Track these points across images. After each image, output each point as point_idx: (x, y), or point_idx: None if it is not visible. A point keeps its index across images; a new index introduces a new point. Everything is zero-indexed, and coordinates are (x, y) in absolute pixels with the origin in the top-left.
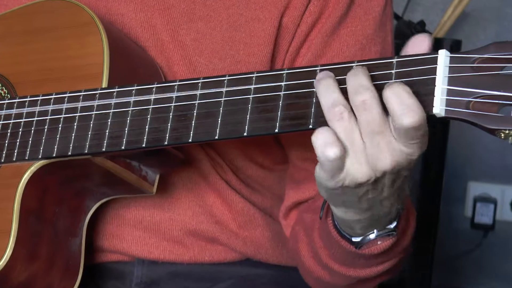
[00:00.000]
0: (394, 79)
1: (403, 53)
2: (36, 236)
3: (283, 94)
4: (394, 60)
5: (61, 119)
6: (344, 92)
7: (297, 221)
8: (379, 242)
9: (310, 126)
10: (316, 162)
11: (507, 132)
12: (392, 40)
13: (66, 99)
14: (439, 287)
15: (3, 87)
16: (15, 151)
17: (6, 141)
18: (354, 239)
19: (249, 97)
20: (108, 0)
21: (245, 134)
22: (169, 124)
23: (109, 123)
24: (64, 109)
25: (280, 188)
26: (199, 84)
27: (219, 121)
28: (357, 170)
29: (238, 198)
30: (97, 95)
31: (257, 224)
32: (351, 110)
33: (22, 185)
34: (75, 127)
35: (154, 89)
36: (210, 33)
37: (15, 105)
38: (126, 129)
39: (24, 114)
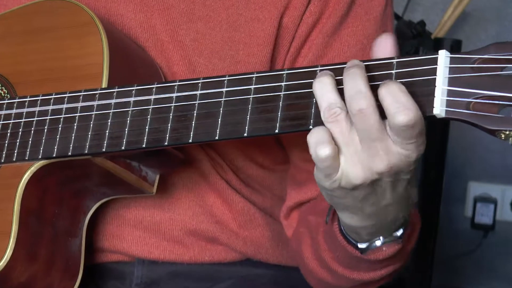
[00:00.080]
0: (395, 80)
1: (373, 55)
2: (36, 237)
3: (283, 94)
4: (395, 61)
5: (61, 119)
6: (343, 92)
7: (301, 222)
8: (384, 249)
9: (311, 127)
10: None
11: (507, 133)
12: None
13: (66, 99)
14: (439, 287)
15: (3, 87)
16: (15, 151)
17: (6, 141)
18: (359, 245)
19: (249, 98)
20: (107, 0)
21: (245, 134)
22: (169, 125)
23: (109, 123)
24: (64, 109)
25: (281, 188)
26: (199, 85)
27: (219, 122)
28: (352, 171)
29: (239, 198)
30: (97, 95)
31: (257, 224)
32: (347, 111)
33: (22, 185)
34: (75, 127)
35: (154, 89)
36: (210, 33)
37: (15, 105)
38: (126, 129)
39: (24, 114)
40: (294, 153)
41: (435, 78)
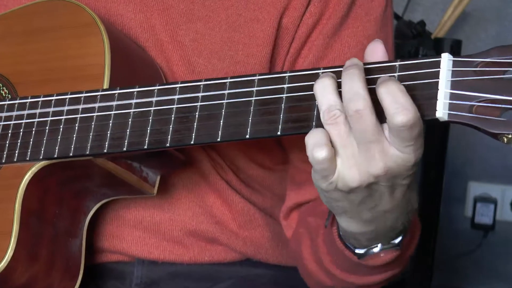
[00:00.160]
0: None
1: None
2: (37, 237)
3: (285, 96)
4: (397, 64)
5: (63, 120)
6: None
7: (300, 223)
8: (382, 255)
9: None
10: None
11: (510, 136)
12: (393, 41)
13: (67, 100)
14: (439, 287)
15: (4, 87)
16: (16, 151)
17: (7, 142)
18: (357, 251)
19: (251, 100)
20: (107, 0)
21: (247, 136)
22: (171, 126)
23: (110, 124)
24: (65, 110)
25: (281, 188)
26: (201, 86)
27: (221, 123)
28: (348, 173)
29: (239, 198)
30: (98, 97)
31: (257, 224)
32: (347, 114)
33: (23, 186)
34: (76, 128)
35: (156, 90)
36: (209, 33)
37: (16, 105)
38: (128, 130)
39: (25, 115)
40: (294, 154)
41: (438, 81)
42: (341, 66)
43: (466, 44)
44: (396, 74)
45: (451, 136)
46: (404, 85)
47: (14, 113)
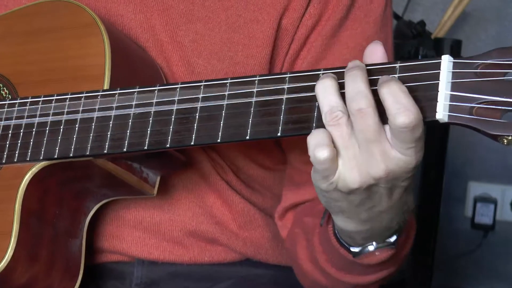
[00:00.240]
0: None
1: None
2: (37, 237)
3: (286, 98)
4: (397, 65)
5: (63, 121)
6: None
7: (296, 223)
8: (377, 254)
9: (313, 130)
10: None
11: (510, 138)
12: (392, 42)
13: (67, 100)
14: (439, 287)
15: (4, 88)
16: (16, 152)
17: (7, 142)
18: (352, 249)
19: (251, 101)
20: (107, 1)
21: (247, 137)
22: (171, 127)
23: (110, 125)
24: (65, 111)
25: (281, 188)
26: (202, 87)
27: (221, 124)
28: (349, 175)
29: (239, 198)
30: (99, 97)
31: (257, 224)
32: (349, 115)
33: (23, 186)
34: (76, 128)
35: (156, 91)
36: (209, 34)
37: (16, 106)
38: (128, 131)
39: (26, 115)
40: (294, 155)
41: (438, 83)
42: (342, 68)
43: (466, 44)
44: (396, 76)
45: (451, 136)
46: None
47: (15, 114)
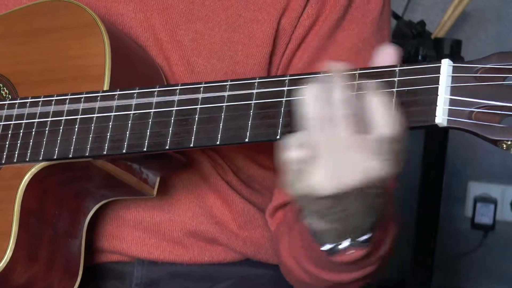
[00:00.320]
0: (397, 88)
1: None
2: (36, 238)
3: (285, 100)
4: (397, 69)
5: (62, 121)
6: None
7: (283, 221)
8: (351, 251)
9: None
10: None
11: (509, 143)
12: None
13: (67, 101)
14: (439, 287)
15: (4, 88)
16: (16, 152)
17: (7, 142)
18: (324, 247)
19: (251, 103)
20: (107, 0)
21: (246, 140)
22: (170, 129)
23: (110, 126)
24: (65, 111)
25: None
26: (201, 89)
27: (221, 126)
28: (319, 182)
29: (239, 198)
30: (98, 98)
31: (257, 224)
32: (329, 122)
33: (23, 186)
34: (76, 129)
35: (156, 92)
36: (209, 33)
37: (16, 106)
38: (127, 132)
39: (25, 115)
40: None
41: (438, 87)
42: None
43: (466, 44)
44: (395, 79)
45: (451, 136)
46: (403, 90)
47: (15, 114)
